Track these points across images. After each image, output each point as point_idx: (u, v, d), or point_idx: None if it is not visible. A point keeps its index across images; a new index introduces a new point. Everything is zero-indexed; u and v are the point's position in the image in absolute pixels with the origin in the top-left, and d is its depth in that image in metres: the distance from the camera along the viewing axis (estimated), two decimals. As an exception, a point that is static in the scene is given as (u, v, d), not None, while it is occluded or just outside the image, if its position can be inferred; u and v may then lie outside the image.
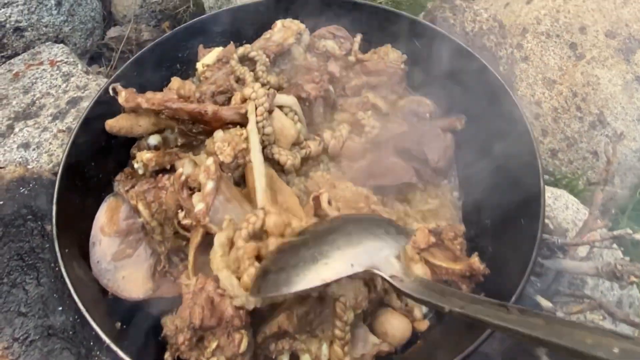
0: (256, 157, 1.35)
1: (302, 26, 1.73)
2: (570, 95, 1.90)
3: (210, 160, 1.25)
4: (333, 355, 1.15)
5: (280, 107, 1.49)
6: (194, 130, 1.45)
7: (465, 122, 1.57)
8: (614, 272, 1.18)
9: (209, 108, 1.41)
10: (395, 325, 1.24)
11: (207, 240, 1.23)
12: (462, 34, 2.11)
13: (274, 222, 1.16)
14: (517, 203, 1.27)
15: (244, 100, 1.45)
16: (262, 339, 1.15)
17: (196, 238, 1.23)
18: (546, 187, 1.36)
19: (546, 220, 1.25)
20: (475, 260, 1.18)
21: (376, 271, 0.98)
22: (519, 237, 1.22)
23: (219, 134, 1.39)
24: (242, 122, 1.43)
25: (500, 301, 0.84)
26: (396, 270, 0.99)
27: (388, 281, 0.97)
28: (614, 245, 1.50)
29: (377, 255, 1.00)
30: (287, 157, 1.43)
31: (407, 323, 1.26)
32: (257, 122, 1.39)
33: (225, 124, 1.42)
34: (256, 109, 1.40)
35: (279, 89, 1.58)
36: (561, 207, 1.60)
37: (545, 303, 1.22)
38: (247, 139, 1.36)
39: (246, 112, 1.41)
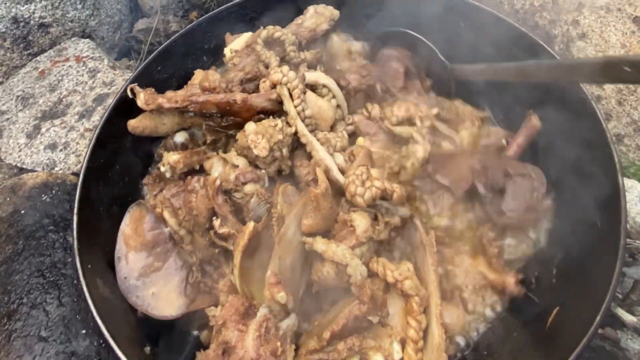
0: (310, 138, 1.28)
1: (336, 13, 1.62)
2: (637, 74, 1.71)
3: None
4: (407, 358, 1.09)
5: (312, 89, 1.39)
6: (223, 123, 1.35)
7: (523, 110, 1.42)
8: None
9: (238, 97, 1.31)
10: (454, 316, 1.21)
11: (255, 241, 1.15)
12: (511, 12, 1.93)
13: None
14: (590, 202, 1.12)
15: (274, 86, 1.34)
16: (329, 338, 1.08)
17: (243, 240, 1.13)
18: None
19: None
20: (510, 281, 1.20)
21: None
22: (594, 242, 1.08)
23: (250, 126, 1.28)
24: (273, 110, 1.33)
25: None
26: None
27: None
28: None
29: None
30: (335, 140, 1.33)
31: (462, 311, 1.24)
32: (296, 106, 1.29)
33: (256, 113, 1.32)
34: (290, 93, 1.30)
35: (315, 67, 1.49)
36: (634, 200, 1.44)
37: (628, 318, 1.07)
38: (282, 130, 1.26)
39: (277, 98, 1.31)
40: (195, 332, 1.24)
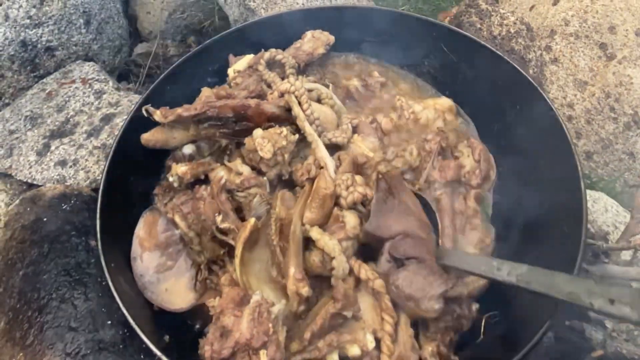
0: (315, 138, 1.41)
1: (332, 38, 1.76)
2: (603, 96, 1.87)
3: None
4: (385, 349, 1.18)
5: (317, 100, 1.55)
6: (237, 128, 1.46)
7: (500, 126, 1.55)
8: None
9: (252, 102, 1.44)
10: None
11: (254, 236, 1.26)
12: (489, 38, 2.10)
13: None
14: (556, 208, 1.25)
15: (282, 95, 1.48)
16: (309, 338, 1.17)
17: (244, 233, 1.25)
18: (585, 190, 1.34)
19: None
20: None
21: None
22: (561, 243, 1.20)
23: (258, 132, 1.41)
24: (282, 116, 1.46)
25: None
26: None
27: None
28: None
29: None
30: (342, 138, 1.47)
31: None
32: (305, 111, 1.43)
33: (267, 120, 1.45)
34: (298, 100, 1.45)
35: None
36: (600, 210, 1.57)
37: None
38: (285, 137, 1.39)
39: (285, 105, 1.45)
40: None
